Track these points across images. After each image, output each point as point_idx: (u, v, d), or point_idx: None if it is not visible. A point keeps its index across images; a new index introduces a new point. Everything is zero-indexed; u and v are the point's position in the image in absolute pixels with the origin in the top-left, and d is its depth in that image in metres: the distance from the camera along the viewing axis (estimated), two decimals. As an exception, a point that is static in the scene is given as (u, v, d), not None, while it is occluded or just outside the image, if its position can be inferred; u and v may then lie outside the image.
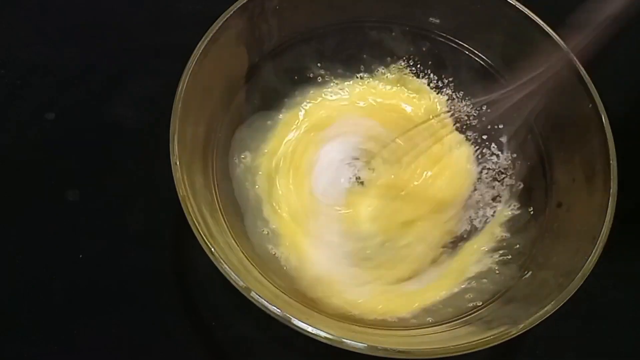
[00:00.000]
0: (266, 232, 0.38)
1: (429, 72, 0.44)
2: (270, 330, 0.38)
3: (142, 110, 0.46)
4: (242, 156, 0.40)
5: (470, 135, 0.44)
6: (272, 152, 0.42)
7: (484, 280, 0.36)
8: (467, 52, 0.42)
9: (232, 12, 0.35)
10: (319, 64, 0.44)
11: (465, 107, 0.44)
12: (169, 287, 0.40)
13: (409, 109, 0.45)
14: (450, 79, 0.44)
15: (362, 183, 0.42)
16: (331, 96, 0.45)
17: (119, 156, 0.44)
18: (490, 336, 0.28)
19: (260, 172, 0.41)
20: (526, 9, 0.38)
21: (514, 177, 0.41)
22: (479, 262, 0.38)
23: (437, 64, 0.44)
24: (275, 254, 0.37)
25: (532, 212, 0.38)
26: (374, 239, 0.40)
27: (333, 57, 0.43)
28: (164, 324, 0.39)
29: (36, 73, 0.48)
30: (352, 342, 0.27)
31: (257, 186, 0.40)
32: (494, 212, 0.40)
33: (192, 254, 0.40)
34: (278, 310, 0.27)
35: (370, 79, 0.45)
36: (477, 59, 0.42)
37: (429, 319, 0.33)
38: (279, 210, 0.40)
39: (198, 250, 0.29)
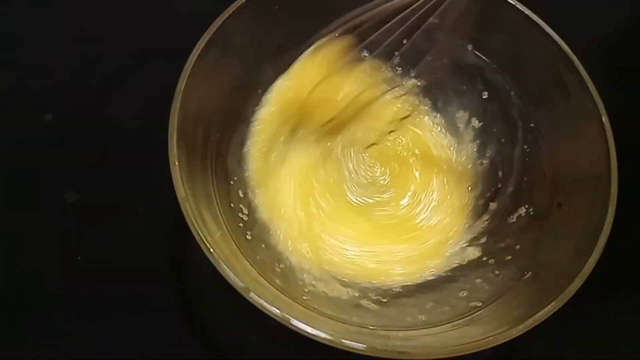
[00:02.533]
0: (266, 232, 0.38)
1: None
2: (270, 331, 0.38)
3: (141, 110, 0.46)
4: (243, 155, 0.40)
5: (469, 136, 0.44)
6: (273, 151, 0.42)
7: (483, 281, 0.36)
8: (467, 50, 0.42)
9: (230, 12, 0.35)
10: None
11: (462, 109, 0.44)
12: (168, 289, 0.39)
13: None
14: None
15: (366, 179, 0.43)
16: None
17: (117, 157, 0.44)
18: (490, 337, 0.28)
19: (260, 173, 0.41)
20: (526, 9, 0.38)
21: (514, 178, 0.41)
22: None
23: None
24: (274, 252, 0.37)
25: (532, 213, 0.38)
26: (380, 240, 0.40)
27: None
28: (163, 326, 0.39)
29: (34, 74, 0.47)
30: (352, 342, 0.27)
31: (257, 187, 0.40)
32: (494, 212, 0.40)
33: (192, 255, 0.40)
34: (277, 310, 0.27)
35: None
36: (477, 58, 0.42)
37: (422, 317, 0.33)
38: (279, 211, 0.40)
39: (197, 251, 0.28)
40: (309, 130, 0.43)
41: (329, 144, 0.44)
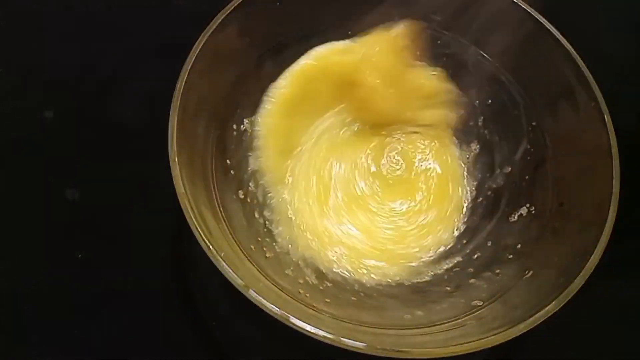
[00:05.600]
0: (266, 230, 0.38)
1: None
2: (271, 328, 0.38)
3: (142, 108, 0.46)
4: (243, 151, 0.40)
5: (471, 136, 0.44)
6: (274, 150, 0.42)
7: (483, 280, 0.36)
8: (468, 49, 0.42)
9: (231, 8, 0.35)
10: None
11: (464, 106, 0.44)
12: (168, 286, 0.39)
13: None
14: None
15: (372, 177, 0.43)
16: None
17: (118, 155, 0.44)
18: (490, 336, 0.28)
19: (262, 171, 0.41)
20: (531, 9, 0.38)
21: (516, 177, 0.41)
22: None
23: (438, 60, 0.43)
24: (273, 252, 0.37)
25: (533, 212, 0.38)
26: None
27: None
28: (163, 323, 0.39)
29: (35, 72, 0.48)
30: (351, 341, 0.27)
31: (258, 183, 0.40)
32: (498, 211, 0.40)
33: (192, 253, 0.40)
34: (276, 308, 0.27)
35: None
36: (478, 56, 0.41)
37: (420, 313, 0.33)
38: (279, 207, 0.40)
39: (198, 248, 0.28)
40: (333, 124, 0.43)
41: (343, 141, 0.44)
